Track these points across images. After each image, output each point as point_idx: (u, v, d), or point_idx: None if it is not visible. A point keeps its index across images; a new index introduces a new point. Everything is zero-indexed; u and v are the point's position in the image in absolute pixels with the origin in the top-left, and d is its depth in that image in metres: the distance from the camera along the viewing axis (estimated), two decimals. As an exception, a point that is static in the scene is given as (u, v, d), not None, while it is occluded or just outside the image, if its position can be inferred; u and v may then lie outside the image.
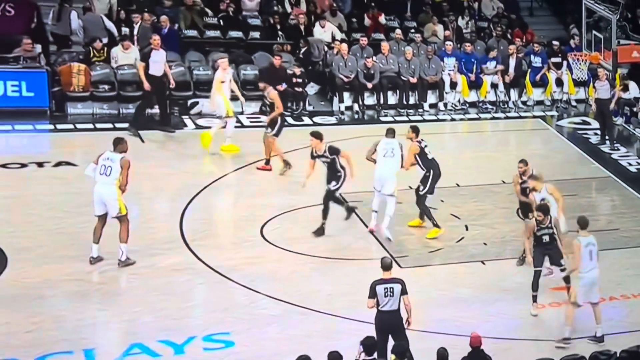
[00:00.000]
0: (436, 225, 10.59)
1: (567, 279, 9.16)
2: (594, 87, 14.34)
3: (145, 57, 12.85)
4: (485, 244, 10.60)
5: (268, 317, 8.74)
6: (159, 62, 12.75)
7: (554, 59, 16.40)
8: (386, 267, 7.61)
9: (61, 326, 8.25)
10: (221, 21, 15.92)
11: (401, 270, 9.77)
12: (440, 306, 9.01)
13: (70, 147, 12.56)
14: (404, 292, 7.56)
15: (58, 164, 11.85)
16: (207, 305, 9.01)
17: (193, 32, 15.54)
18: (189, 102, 14.40)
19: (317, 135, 10.55)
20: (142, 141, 12.55)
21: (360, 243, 10.46)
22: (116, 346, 8.04)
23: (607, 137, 14.35)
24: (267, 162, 12.19)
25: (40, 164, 11.84)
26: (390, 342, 7.42)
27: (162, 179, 11.57)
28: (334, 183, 10.47)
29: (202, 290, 9.30)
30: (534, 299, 9.15)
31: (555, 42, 16.65)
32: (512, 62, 16.06)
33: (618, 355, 7.59)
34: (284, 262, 9.84)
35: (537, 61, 16.33)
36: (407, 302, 7.61)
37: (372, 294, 7.57)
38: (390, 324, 7.54)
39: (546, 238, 9.09)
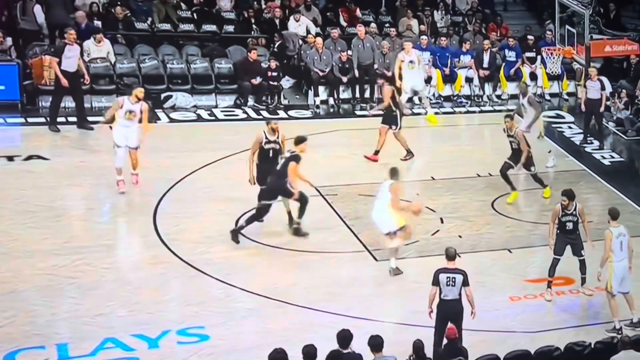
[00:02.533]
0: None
1: (583, 268, 9.28)
2: (584, 86, 14.32)
3: (58, 52, 12.64)
4: (460, 236, 10.64)
5: (244, 311, 8.72)
6: (72, 57, 12.54)
7: (528, 54, 16.57)
8: (451, 257, 7.82)
9: (34, 321, 8.17)
10: (195, 15, 15.86)
11: (377, 263, 9.89)
12: (416, 298, 8.98)
13: (41, 140, 12.43)
14: (465, 283, 7.74)
15: (29, 158, 11.72)
16: (181, 299, 8.96)
17: (167, 26, 15.47)
18: (163, 95, 14.35)
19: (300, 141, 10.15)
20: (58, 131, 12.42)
21: (336, 236, 10.47)
22: (89, 340, 7.96)
23: (589, 136, 14.36)
24: (377, 152, 12.55)
25: (10, 158, 11.69)
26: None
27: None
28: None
29: (176, 284, 9.24)
30: (549, 284, 9.29)
31: (529, 37, 16.81)
32: (487, 57, 16.20)
33: (593, 346, 7.69)
34: (260, 256, 9.82)
35: (511, 55, 16.48)
36: (468, 293, 7.78)
37: (435, 281, 7.75)
38: (452, 313, 7.70)
39: (569, 225, 9.20)
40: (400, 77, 14.21)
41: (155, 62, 14.56)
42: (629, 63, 16.55)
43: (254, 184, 10.23)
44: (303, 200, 10.19)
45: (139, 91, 10.92)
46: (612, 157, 13.96)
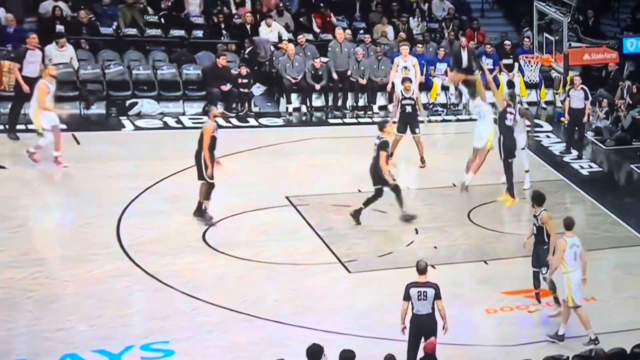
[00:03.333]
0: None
1: (552, 286, 9.29)
2: (568, 95, 14.49)
3: (19, 57, 12.60)
4: (435, 247, 10.73)
5: (210, 325, 8.69)
6: (34, 62, 12.52)
7: (505, 61, 16.80)
8: (421, 270, 7.82)
9: (-11, 337, 8.07)
10: (162, 19, 15.88)
11: (350, 275, 9.94)
12: (390, 311, 8.90)
13: (-1, 148, 12.35)
14: (437, 296, 7.75)
15: (-14, 167, 11.65)
16: (145, 313, 8.91)
17: (133, 31, 15.46)
18: (128, 102, 14.33)
19: None
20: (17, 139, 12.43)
21: (307, 247, 10.50)
22: (48, 357, 7.88)
23: (572, 147, 14.53)
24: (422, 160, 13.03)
25: (-33, 167, 11.61)
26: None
27: (99, 182, 11.46)
28: None
29: (140, 298, 9.20)
30: (536, 296, 9.39)
31: (507, 42, 17.00)
32: (465, 54, 16.31)
33: (571, 359, 7.78)
34: (228, 268, 9.81)
35: (488, 63, 16.67)
36: (440, 307, 7.78)
37: (406, 296, 7.76)
38: (424, 328, 7.71)
39: (534, 230, 9.24)
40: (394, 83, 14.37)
41: (121, 67, 14.55)
42: (608, 71, 16.85)
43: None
44: (396, 190, 11.01)
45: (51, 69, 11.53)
46: (591, 167, 14.16)
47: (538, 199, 9.34)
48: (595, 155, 14.83)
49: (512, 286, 9.93)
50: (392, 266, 10.14)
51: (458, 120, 15.88)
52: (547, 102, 17.09)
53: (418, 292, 7.76)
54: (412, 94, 13.03)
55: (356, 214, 11.08)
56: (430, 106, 16.25)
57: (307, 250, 10.41)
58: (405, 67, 14.32)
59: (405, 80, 13.25)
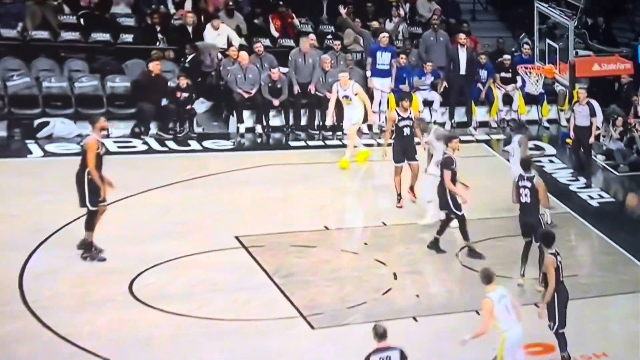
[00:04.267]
0: None
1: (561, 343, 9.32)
2: (572, 110, 14.65)
3: None
4: (417, 295, 10.71)
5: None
6: None
7: (503, 74, 16.97)
8: (380, 335, 8.01)
9: None
10: (82, 20, 15.84)
11: (314, 332, 9.87)
12: (362, 375, 8.93)
13: None
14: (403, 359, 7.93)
15: None
16: (56, 385, 8.73)
17: (43, 34, 15.35)
18: (36, 122, 14.23)
19: None
20: None
21: (260, 299, 10.40)
22: None
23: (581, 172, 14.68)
24: None
25: None
26: None
27: (-1, 221, 11.35)
28: None
29: (49, 366, 9.02)
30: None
31: (506, 56, 17.23)
32: (463, 55, 16.34)
33: None
34: (161, 326, 9.70)
35: (482, 75, 16.80)
36: None
37: None
38: None
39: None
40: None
41: (27, 79, 14.44)
42: (620, 84, 17.05)
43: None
44: (461, 220, 11.53)
45: None
46: (601, 196, 14.29)
47: (546, 238, 9.44)
48: (607, 183, 14.99)
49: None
50: (364, 319, 10.02)
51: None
52: (549, 121, 17.30)
53: (380, 358, 7.85)
54: (410, 114, 12.86)
55: (435, 245, 11.60)
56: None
57: (260, 303, 10.31)
58: (346, 97, 14.26)
59: (404, 96, 13.15)
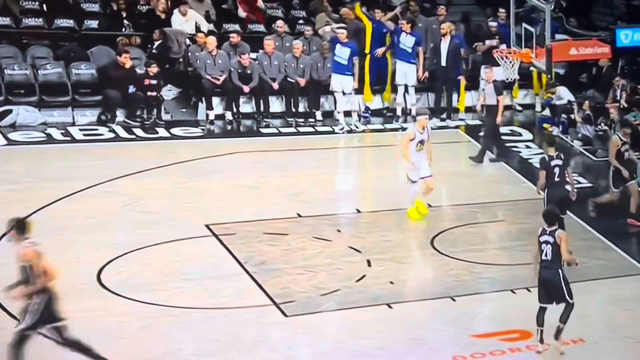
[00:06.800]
0: None
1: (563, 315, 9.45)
2: (482, 89, 14.86)
3: None
4: (392, 282, 10.79)
5: (109, 388, 8.57)
6: None
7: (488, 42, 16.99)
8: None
9: None
10: (45, 6, 15.84)
11: (287, 320, 9.93)
12: (335, 362, 9.10)
13: None
14: None
15: None
16: (24, 375, 8.72)
17: (5, 20, 15.35)
18: (-1, 110, 14.27)
19: None
20: None
21: (232, 287, 10.48)
22: None
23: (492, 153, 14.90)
24: None
25: None
26: None
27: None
28: None
29: (17, 355, 8.97)
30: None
31: (492, 24, 17.16)
32: (445, 46, 16.39)
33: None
34: (130, 316, 9.73)
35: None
36: None
37: None
38: None
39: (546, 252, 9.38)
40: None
41: (-12, 67, 14.47)
42: (599, 68, 17.36)
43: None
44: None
45: None
46: (579, 182, 14.40)
47: (549, 216, 9.62)
48: (584, 168, 15.19)
49: (484, 327, 10.03)
50: (338, 306, 10.19)
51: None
52: (524, 106, 17.51)
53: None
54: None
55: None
56: (385, 112, 16.53)
57: (232, 291, 10.37)
58: (422, 142, 12.41)
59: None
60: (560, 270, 9.34)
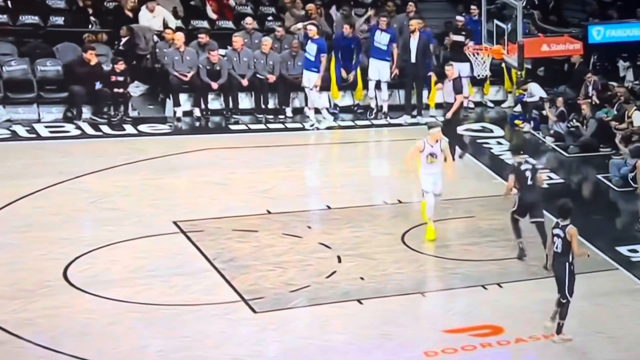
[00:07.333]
0: None
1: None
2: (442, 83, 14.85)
3: None
4: (362, 278, 10.84)
5: (74, 385, 8.58)
6: None
7: (455, 37, 17.01)
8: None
9: None
10: (9, 2, 15.78)
11: (256, 316, 9.94)
12: (306, 358, 9.13)
13: None
14: None
15: None
16: (-13, 374, 8.74)
17: (-31, 17, 15.39)
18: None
19: None
20: None
21: (200, 284, 10.47)
22: None
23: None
24: None
25: None
26: None
27: None
28: None
29: (-20, 354, 9.00)
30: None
31: (459, 17, 17.24)
32: (414, 43, 16.40)
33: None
34: (98, 313, 9.72)
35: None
36: None
37: None
38: None
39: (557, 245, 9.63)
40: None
41: (-48, 64, 14.41)
42: (571, 65, 17.54)
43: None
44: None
45: None
46: (551, 178, 14.60)
47: (562, 210, 9.80)
48: (556, 164, 15.31)
49: (455, 323, 10.09)
50: (308, 302, 10.23)
51: (390, 124, 16.12)
52: (494, 102, 17.62)
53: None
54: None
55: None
56: (355, 108, 16.55)
57: (200, 288, 10.37)
58: (433, 154, 11.94)
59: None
60: (567, 264, 9.62)
